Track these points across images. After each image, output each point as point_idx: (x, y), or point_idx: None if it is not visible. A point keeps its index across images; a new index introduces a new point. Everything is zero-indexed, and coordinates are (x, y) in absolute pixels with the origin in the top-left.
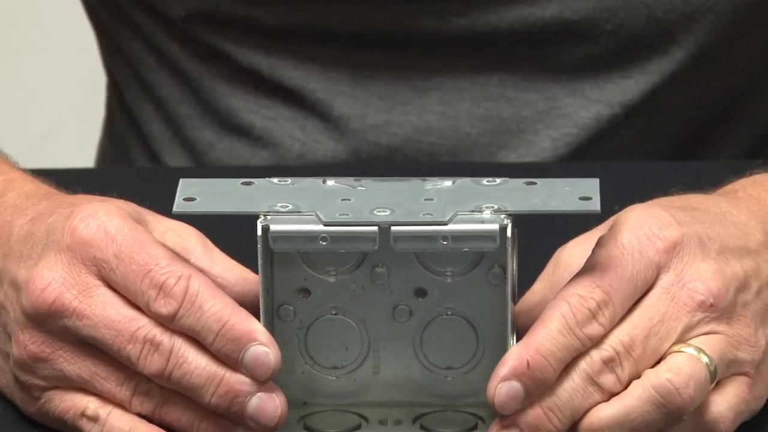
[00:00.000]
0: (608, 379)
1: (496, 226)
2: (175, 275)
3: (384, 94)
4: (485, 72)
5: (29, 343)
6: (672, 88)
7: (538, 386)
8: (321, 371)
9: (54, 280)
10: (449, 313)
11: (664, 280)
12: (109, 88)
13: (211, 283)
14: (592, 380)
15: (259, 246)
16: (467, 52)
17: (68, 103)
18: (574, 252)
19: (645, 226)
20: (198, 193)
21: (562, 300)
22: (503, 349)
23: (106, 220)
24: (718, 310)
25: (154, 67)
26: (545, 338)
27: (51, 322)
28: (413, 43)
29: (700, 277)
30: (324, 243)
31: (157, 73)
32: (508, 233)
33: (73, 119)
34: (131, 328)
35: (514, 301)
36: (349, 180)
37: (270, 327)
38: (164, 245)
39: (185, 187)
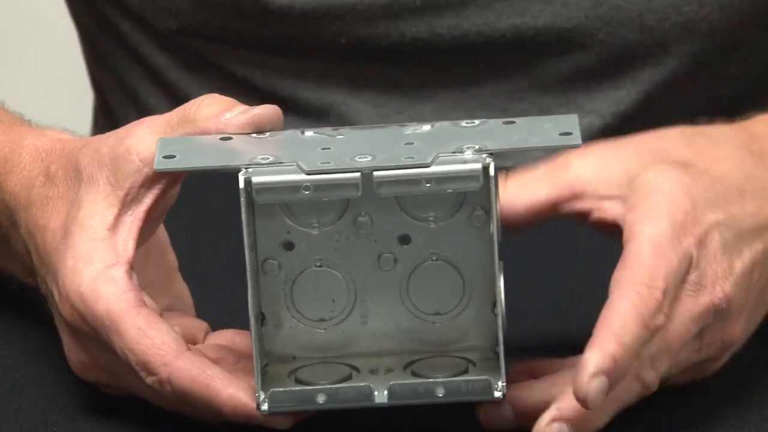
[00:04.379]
0: (650, 375)
1: (478, 166)
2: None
3: (377, 103)
4: (478, 82)
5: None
6: (665, 97)
7: (619, 379)
8: (309, 324)
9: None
10: (434, 258)
11: (692, 279)
12: (94, 95)
13: (188, 373)
14: (639, 375)
15: (242, 199)
16: (459, 63)
17: (54, 108)
18: (589, 163)
19: (678, 215)
20: (177, 151)
21: (631, 290)
22: (490, 291)
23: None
24: (726, 312)
25: (139, 77)
26: (626, 331)
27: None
28: (405, 54)
29: (719, 281)
30: (307, 192)
31: (143, 82)
32: (491, 172)
33: (56, 124)
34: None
35: (500, 240)
36: (328, 130)
37: (255, 283)
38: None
39: (164, 145)
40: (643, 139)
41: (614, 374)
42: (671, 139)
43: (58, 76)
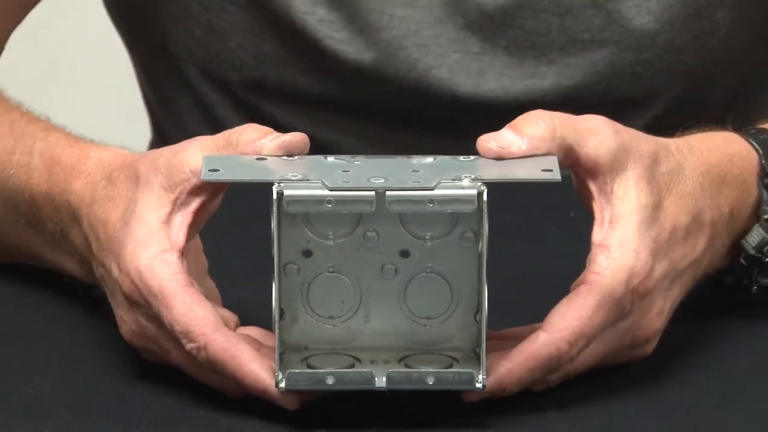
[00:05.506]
0: (552, 378)
1: (474, 191)
2: (195, 348)
3: (400, 150)
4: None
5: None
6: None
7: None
8: (320, 320)
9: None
10: (428, 271)
11: (622, 326)
12: (152, 132)
13: (222, 344)
14: (545, 380)
15: (274, 208)
16: (479, 122)
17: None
18: (607, 143)
19: (634, 279)
20: (220, 166)
21: (554, 345)
22: (473, 301)
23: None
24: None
25: (198, 122)
26: (528, 372)
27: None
28: (429, 116)
29: (649, 327)
30: (329, 205)
31: (202, 127)
32: (484, 197)
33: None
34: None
35: (487, 257)
36: (347, 157)
37: (279, 281)
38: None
39: (209, 161)
40: (644, 154)
41: (498, 393)
42: (659, 169)
43: (117, 113)
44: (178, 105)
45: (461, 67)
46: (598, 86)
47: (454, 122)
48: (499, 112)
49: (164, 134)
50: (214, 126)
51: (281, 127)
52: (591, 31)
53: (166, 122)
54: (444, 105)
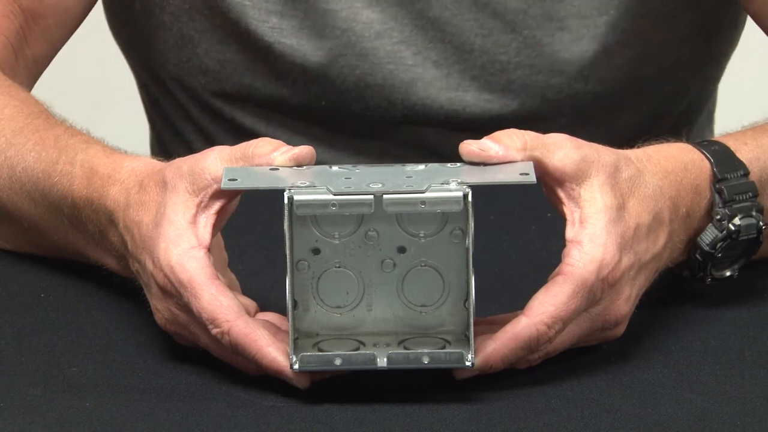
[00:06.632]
0: (533, 357)
1: (460, 193)
2: (220, 333)
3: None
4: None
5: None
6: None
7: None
8: (329, 310)
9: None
10: (423, 264)
11: (594, 311)
12: (150, 132)
13: (243, 330)
14: (527, 359)
15: (285, 211)
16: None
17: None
18: (570, 155)
19: (604, 270)
20: (238, 176)
21: (534, 327)
22: (462, 290)
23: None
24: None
25: (182, 122)
26: (511, 352)
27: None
28: (367, 119)
29: (618, 312)
30: (334, 208)
31: (186, 129)
32: (469, 198)
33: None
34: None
35: (473, 251)
36: (349, 166)
37: (292, 276)
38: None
39: (228, 171)
40: (607, 164)
41: (485, 371)
42: (621, 174)
43: (123, 116)
44: (166, 109)
45: (395, 77)
46: (513, 102)
47: (391, 126)
48: (429, 121)
49: (159, 135)
50: (193, 127)
51: (240, 128)
52: (508, 54)
53: (161, 124)
54: (381, 111)
